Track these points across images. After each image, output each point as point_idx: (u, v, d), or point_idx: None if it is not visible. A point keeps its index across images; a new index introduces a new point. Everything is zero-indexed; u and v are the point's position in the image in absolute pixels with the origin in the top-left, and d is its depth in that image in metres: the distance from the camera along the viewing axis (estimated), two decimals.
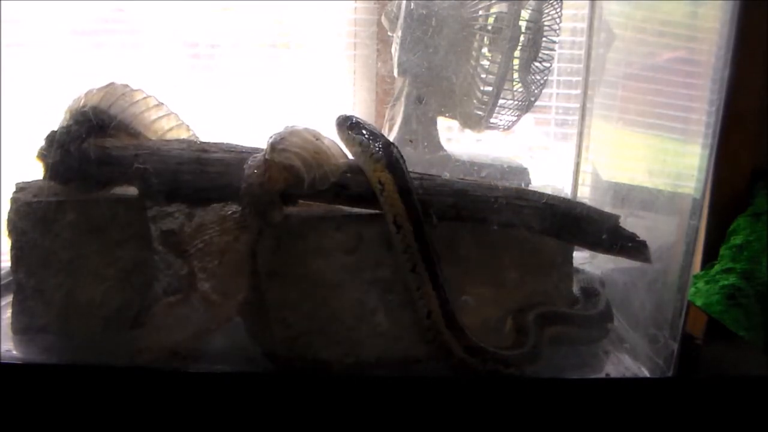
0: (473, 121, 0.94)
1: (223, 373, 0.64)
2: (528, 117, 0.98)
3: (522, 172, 0.93)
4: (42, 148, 0.70)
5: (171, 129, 0.74)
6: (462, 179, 0.69)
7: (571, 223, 0.70)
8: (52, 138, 0.69)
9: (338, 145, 0.67)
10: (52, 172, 0.70)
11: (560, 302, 0.74)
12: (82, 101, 0.70)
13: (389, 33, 0.94)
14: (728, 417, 0.65)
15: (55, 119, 0.71)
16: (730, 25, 0.60)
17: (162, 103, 0.74)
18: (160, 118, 0.74)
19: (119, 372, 0.64)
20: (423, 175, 0.68)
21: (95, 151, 0.68)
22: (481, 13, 0.89)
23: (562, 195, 0.80)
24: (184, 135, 0.75)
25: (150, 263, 0.66)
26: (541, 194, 0.70)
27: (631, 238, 0.71)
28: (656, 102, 0.87)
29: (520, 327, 0.68)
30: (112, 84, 0.72)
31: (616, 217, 0.72)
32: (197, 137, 0.76)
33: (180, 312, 0.63)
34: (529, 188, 0.79)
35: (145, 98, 0.73)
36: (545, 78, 0.95)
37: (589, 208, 0.72)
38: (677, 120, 0.78)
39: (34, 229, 0.70)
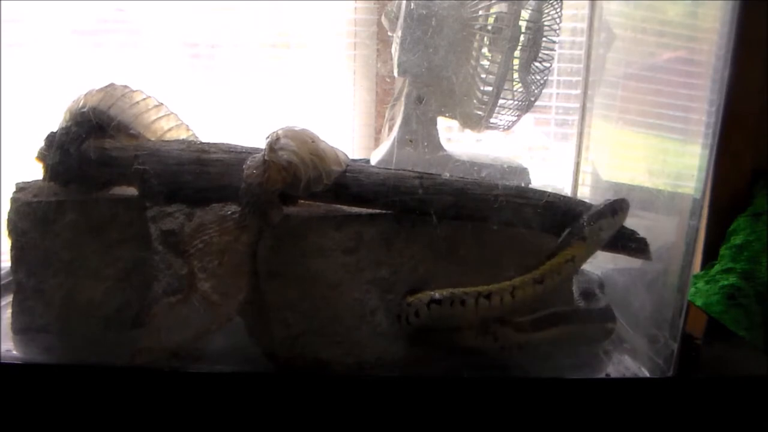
0: (473, 121, 0.94)
1: (223, 373, 0.64)
2: (528, 117, 0.98)
3: (522, 172, 0.93)
4: (42, 149, 0.70)
5: (170, 129, 0.75)
6: (462, 178, 0.69)
7: (571, 221, 0.70)
8: (51, 139, 0.69)
9: (334, 150, 0.67)
10: (51, 173, 0.70)
11: (560, 303, 0.74)
12: (82, 102, 0.70)
13: (389, 33, 0.93)
14: (728, 417, 0.65)
15: (55, 119, 0.72)
16: (730, 25, 0.60)
17: (162, 104, 0.74)
18: (159, 118, 0.74)
19: (119, 372, 0.64)
20: (423, 174, 0.68)
21: (95, 152, 0.69)
22: (481, 13, 0.89)
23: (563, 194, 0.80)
24: (183, 135, 0.75)
25: (150, 263, 0.66)
26: (542, 192, 0.70)
27: (632, 235, 0.71)
28: (656, 102, 0.87)
29: None
30: (111, 85, 0.72)
31: None
32: (197, 137, 0.76)
33: (180, 312, 0.63)
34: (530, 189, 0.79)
35: (144, 99, 0.73)
36: (545, 78, 0.95)
37: (590, 207, 0.72)
38: (677, 120, 0.78)
39: (34, 229, 0.70)
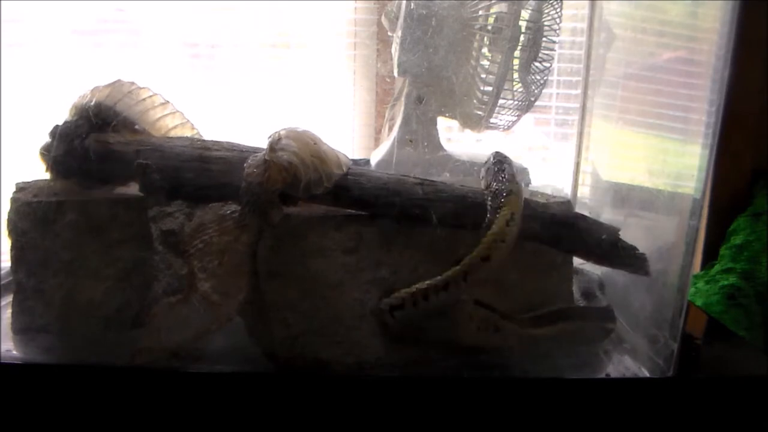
0: (473, 121, 0.94)
1: (223, 373, 0.64)
2: (528, 117, 0.98)
3: (522, 172, 0.93)
4: (43, 147, 0.70)
5: (175, 127, 0.75)
6: (463, 186, 0.69)
7: (571, 234, 0.70)
8: (55, 132, 0.70)
9: (335, 152, 0.67)
10: (54, 165, 0.70)
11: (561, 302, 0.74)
12: (89, 97, 0.71)
13: (389, 33, 0.94)
14: (728, 417, 0.65)
15: (55, 119, 0.71)
16: (730, 25, 0.60)
17: (167, 101, 0.75)
18: (164, 116, 0.74)
19: (119, 372, 0.64)
20: (424, 181, 0.68)
21: (99, 146, 0.69)
22: (481, 13, 0.89)
23: (563, 195, 0.80)
24: (188, 133, 0.76)
25: (150, 263, 0.66)
26: (545, 205, 0.70)
27: (631, 251, 0.71)
28: (656, 102, 0.87)
29: None
30: (118, 81, 0.72)
31: (616, 230, 0.71)
32: (201, 136, 0.76)
33: (180, 312, 0.63)
34: (530, 190, 0.79)
35: (151, 96, 0.73)
36: (545, 78, 0.95)
37: (592, 221, 0.72)
38: (677, 120, 0.78)
39: (34, 229, 0.70)
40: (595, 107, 1.06)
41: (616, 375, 0.68)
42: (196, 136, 0.76)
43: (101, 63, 1.05)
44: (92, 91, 0.71)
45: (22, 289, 0.71)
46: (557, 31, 0.94)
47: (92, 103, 0.70)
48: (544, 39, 0.92)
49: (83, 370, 0.64)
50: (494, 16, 0.89)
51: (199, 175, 0.67)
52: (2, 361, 0.67)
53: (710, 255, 1.26)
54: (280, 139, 0.64)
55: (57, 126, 0.70)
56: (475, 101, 0.92)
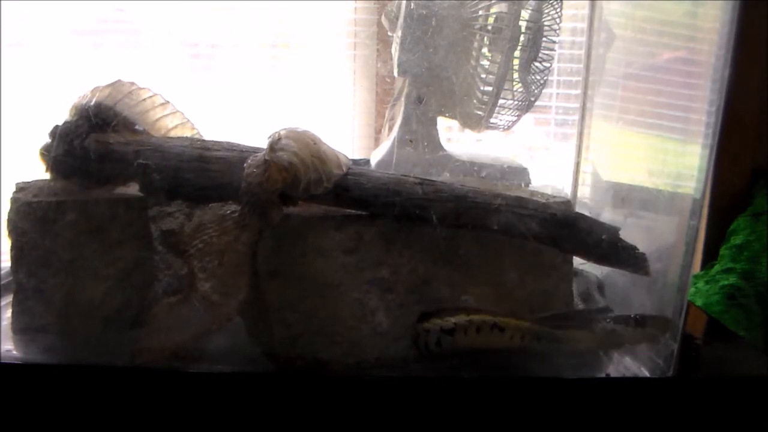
0: (473, 121, 0.94)
1: (223, 373, 0.64)
2: (528, 117, 0.98)
3: (522, 172, 0.93)
4: (43, 147, 0.70)
5: (175, 127, 0.75)
6: (463, 186, 0.69)
7: (571, 234, 0.70)
8: (55, 132, 0.70)
9: (335, 152, 0.67)
10: (54, 165, 0.70)
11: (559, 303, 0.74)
12: (88, 97, 0.71)
13: (389, 33, 0.94)
14: (728, 417, 0.65)
15: (55, 119, 0.72)
16: (730, 25, 0.60)
17: (167, 102, 0.75)
18: (165, 116, 0.74)
19: (119, 372, 0.64)
20: (424, 180, 0.68)
21: (99, 146, 0.69)
22: (481, 13, 0.89)
23: (563, 195, 0.80)
24: (188, 133, 0.76)
25: (150, 263, 0.66)
26: (545, 205, 0.70)
27: (631, 250, 0.71)
28: (656, 102, 0.87)
29: None
30: (118, 81, 0.72)
31: (616, 230, 0.71)
32: (201, 136, 0.76)
33: (180, 312, 0.63)
34: (530, 190, 0.79)
35: (151, 96, 0.73)
36: (545, 78, 0.95)
37: (592, 221, 0.72)
38: (677, 120, 0.78)
39: (34, 229, 0.70)
40: (595, 107, 1.06)
41: (616, 375, 0.68)
42: (196, 136, 0.76)
43: (101, 63, 1.05)
44: (92, 91, 0.71)
45: (22, 289, 0.71)
46: (557, 31, 0.94)
47: (92, 103, 0.70)
48: (544, 39, 0.92)
49: (83, 370, 0.64)
50: (494, 16, 0.89)
51: (199, 175, 0.67)
52: (2, 361, 0.67)
53: (710, 255, 1.26)
54: (280, 139, 0.64)
55: (57, 126, 0.70)
56: (475, 101, 0.92)
